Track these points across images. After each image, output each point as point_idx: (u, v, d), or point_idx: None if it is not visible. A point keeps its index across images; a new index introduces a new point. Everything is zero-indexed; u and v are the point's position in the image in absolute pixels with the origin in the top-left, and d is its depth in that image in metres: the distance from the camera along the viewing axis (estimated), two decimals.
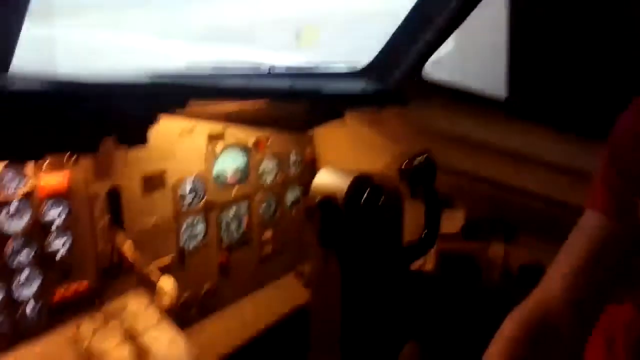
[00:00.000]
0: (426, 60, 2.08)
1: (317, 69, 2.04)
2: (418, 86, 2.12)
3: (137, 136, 1.53)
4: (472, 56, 3.29)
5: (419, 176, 1.79)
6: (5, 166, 1.48)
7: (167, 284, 1.72)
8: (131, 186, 1.77)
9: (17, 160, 1.46)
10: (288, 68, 1.93)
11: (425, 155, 1.78)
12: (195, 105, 1.65)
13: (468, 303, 2.05)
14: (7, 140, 1.31)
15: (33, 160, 1.51)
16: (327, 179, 1.81)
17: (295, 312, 2.19)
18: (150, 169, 1.82)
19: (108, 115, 1.41)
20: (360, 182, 1.74)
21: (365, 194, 1.72)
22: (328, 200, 1.69)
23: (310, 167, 2.34)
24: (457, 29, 1.98)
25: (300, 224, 2.32)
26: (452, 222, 2.17)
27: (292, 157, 2.34)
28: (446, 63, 2.32)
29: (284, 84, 1.79)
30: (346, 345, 1.82)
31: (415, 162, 1.77)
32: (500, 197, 2.12)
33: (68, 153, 1.54)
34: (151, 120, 1.52)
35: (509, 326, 0.97)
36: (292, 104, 2.00)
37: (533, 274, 2.11)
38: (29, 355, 1.56)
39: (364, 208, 1.71)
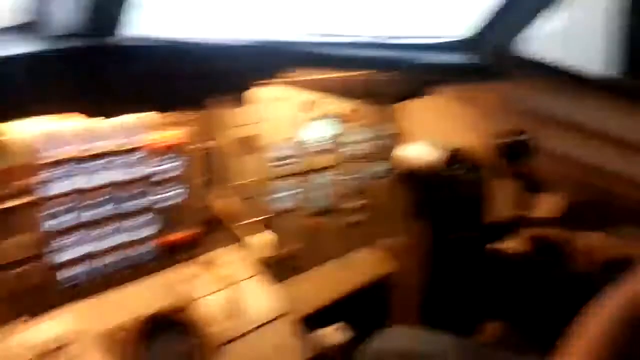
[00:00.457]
0: (527, 34, 1.99)
1: (411, 40, 2.03)
2: (517, 62, 2.04)
3: (239, 97, 1.64)
4: (576, 34, 3.08)
5: (513, 156, 1.76)
6: (129, 120, 1.65)
7: (263, 239, 1.85)
8: (230, 147, 1.90)
9: (138, 113, 1.62)
10: (381, 38, 1.94)
11: (521, 135, 1.74)
12: (291, 72, 1.72)
13: (555, 289, 2.00)
14: (127, 96, 1.46)
15: (153, 115, 1.67)
16: (416, 152, 1.82)
17: (376, 282, 2.24)
18: (246, 132, 1.94)
19: (214, 75, 1.51)
20: (451, 156, 1.74)
21: (456, 168, 1.72)
22: (418, 172, 1.71)
23: (398, 140, 2.35)
24: (563, 5, 1.88)
25: (386, 195, 2.35)
26: (547, 206, 2.10)
27: (381, 130, 2.36)
28: (549, 40, 2.20)
29: (378, 54, 1.81)
30: (427, 317, 1.85)
31: (510, 141, 1.74)
32: (600, 184, 2.02)
33: (183, 110, 1.69)
34: (252, 83, 1.62)
35: (597, 316, 0.95)
36: (384, 77, 2.02)
37: (626, 266, 2.00)
38: (137, 293, 1.75)
39: (454, 182, 1.71)
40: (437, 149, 1.77)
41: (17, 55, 1.45)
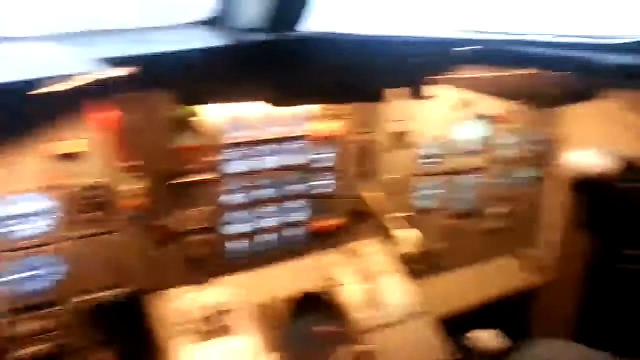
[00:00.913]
0: None
1: (586, 39, 1.89)
2: None
3: (410, 92, 1.66)
4: None
5: None
6: (297, 109, 1.76)
7: (407, 235, 1.87)
8: (383, 141, 1.95)
9: (315, 104, 1.72)
10: (555, 36, 1.83)
11: None
12: (459, 69, 1.70)
13: None
14: (306, 87, 1.55)
15: (316, 106, 1.76)
16: (588, 159, 1.69)
17: (518, 291, 2.14)
18: (400, 127, 1.96)
19: (387, 69, 1.56)
20: (627, 166, 1.60)
21: (632, 180, 1.58)
22: (591, 180, 1.60)
23: (554, 146, 2.21)
24: None
25: (534, 203, 2.23)
26: None
27: (535, 133, 2.24)
28: None
29: (551, 52, 1.71)
30: (581, 333, 1.72)
31: None
32: None
33: (356, 102, 1.76)
34: (424, 78, 1.62)
35: None
36: (548, 77, 1.91)
37: None
38: (288, 272, 1.88)
39: (630, 194, 1.57)
40: (610, 157, 1.63)
41: (207, 47, 1.63)
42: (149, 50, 1.54)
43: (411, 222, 2.04)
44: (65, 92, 1.28)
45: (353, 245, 1.97)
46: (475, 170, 2.16)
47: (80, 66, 1.45)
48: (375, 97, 1.64)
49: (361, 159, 1.93)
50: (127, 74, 1.34)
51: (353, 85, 1.58)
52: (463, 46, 1.65)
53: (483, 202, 2.22)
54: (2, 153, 1.36)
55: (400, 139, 1.98)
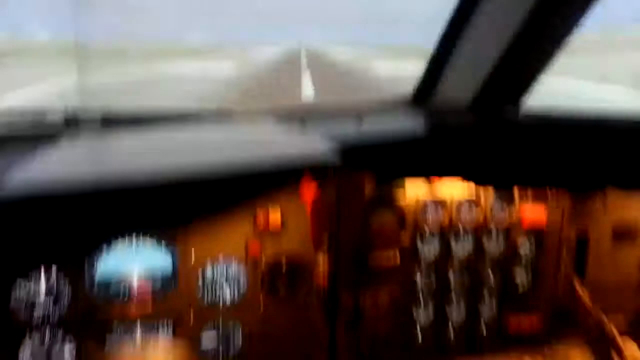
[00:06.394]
0: None
1: None
2: None
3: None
4: None
5: None
6: (496, 196, 1.60)
7: (631, 351, 1.54)
8: (601, 235, 1.66)
9: (524, 187, 1.56)
10: None
11: None
12: None
13: None
14: (516, 170, 1.39)
15: (525, 192, 1.58)
16: None
17: None
18: (623, 219, 1.66)
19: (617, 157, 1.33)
20: None
21: None
22: None
23: None
24: None
25: None
26: None
27: None
28: None
29: None
30: None
31: None
32: None
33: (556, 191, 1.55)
34: None
35: None
36: None
37: None
38: None
39: None
40: None
41: (410, 130, 1.58)
42: (351, 130, 1.55)
43: (631, 331, 1.68)
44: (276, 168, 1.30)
45: (554, 351, 1.68)
46: None
47: (293, 144, 1.50)
48: (597, 187, 1.40)
49: (573, 254, 1.66)
50: (331, 152, 1.33)
51: (571, 173, 1.38)
52: None
53: None
54: (210, 224, 1.40)
55: (623, 232, 1.67)
